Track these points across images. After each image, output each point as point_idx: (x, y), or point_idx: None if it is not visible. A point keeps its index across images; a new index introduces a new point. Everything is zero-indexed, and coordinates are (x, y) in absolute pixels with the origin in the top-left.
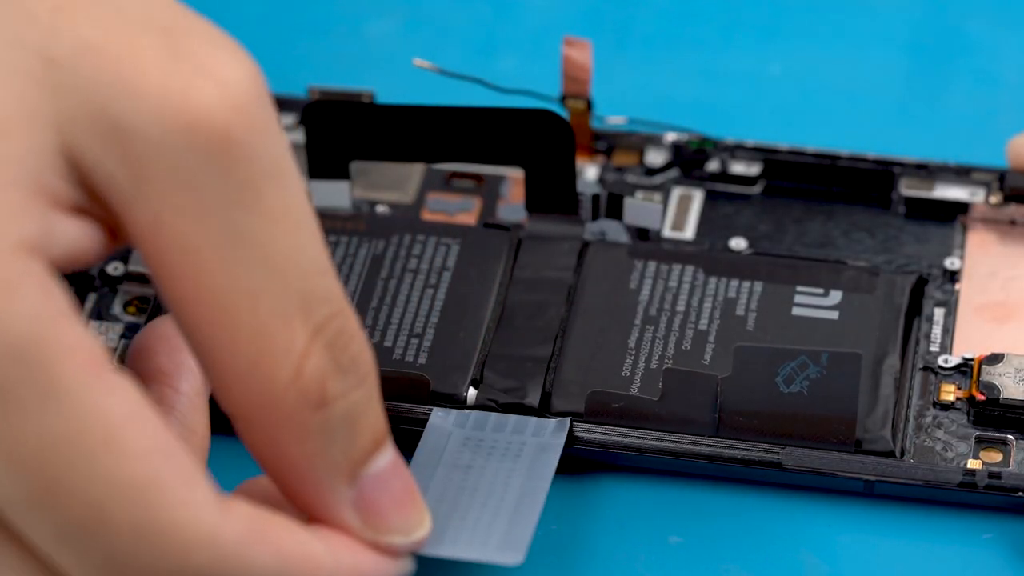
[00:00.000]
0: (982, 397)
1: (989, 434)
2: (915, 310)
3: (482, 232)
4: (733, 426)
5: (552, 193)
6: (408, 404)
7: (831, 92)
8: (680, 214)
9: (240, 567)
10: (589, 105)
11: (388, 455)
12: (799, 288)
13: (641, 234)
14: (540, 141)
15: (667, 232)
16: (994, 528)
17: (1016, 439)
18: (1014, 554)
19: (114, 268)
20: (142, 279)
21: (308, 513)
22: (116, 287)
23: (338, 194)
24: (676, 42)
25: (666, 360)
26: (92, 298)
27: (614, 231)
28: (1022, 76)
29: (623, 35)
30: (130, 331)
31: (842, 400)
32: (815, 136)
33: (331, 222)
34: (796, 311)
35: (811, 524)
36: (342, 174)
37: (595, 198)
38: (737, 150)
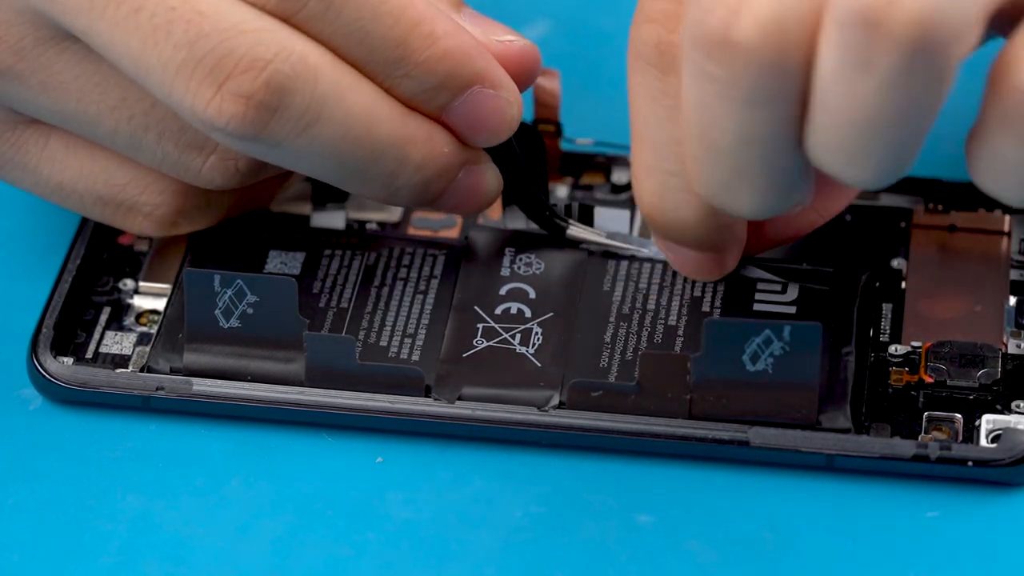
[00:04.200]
0: (931, 380)
1: (937, 414)
2: (866, 305)
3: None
4: (704, 406)
5: (528, 201)
6: (403, 396)
7: None
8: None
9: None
10: (559, 129)
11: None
12: (759, 286)
13: None
14: (519, 149)
15: None
16: (943, 500)
17: (963, 418)
18: (960, 523)
19: (123, 284)
20: (151, 294)
21: None
22: (128, 301)
23: (335, 217)
24: None
25: (640, 353)
26: (107, 311)
27: None
28: (954, 104)
29: (592, 75)
30: (142, 340)
31: (803, 374)
32: None
33: (327, 237)
34: (757, 306)
35: (774, 500)
36: (341, 198)
37: (568, 208)
38: None
